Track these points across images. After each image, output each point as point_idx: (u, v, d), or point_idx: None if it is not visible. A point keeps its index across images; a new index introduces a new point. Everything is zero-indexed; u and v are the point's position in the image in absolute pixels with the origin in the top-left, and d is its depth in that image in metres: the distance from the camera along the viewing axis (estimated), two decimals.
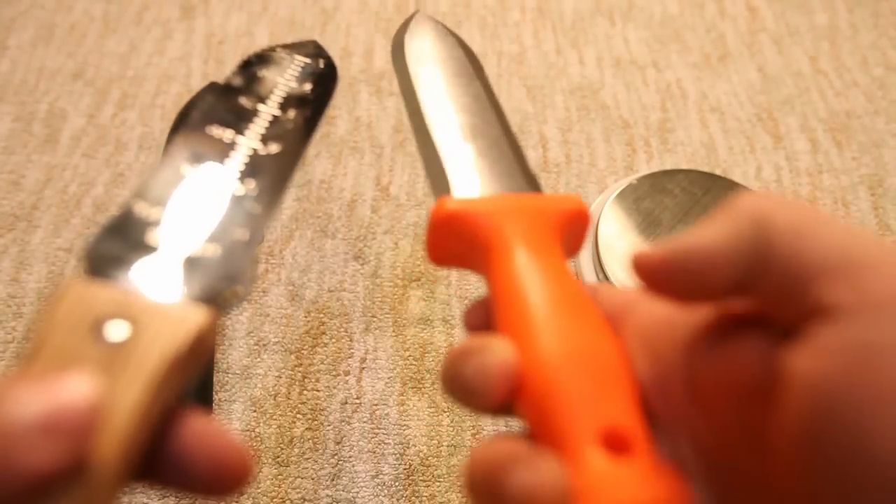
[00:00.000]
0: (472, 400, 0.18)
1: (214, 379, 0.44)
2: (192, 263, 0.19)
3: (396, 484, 0.41)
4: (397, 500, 0.40)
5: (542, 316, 0.19)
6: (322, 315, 0.47)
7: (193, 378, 0.18)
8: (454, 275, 0.49)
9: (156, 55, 0.62)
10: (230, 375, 0.44)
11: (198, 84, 0.60)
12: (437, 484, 0.41)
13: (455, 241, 0.23)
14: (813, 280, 0.13)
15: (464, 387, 0.18)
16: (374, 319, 0.47)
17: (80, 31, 0.64)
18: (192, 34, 0.64)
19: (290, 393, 0.44)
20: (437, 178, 0.26)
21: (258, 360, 0.45)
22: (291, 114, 0.26)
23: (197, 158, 0.22)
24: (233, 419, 0.43)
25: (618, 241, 0.47)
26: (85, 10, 0.65)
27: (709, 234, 0.15)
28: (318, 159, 0.55)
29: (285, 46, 0.29)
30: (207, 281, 0.19)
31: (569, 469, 0.16)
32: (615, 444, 0.16)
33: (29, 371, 0.16)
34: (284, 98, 0.26)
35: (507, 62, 0.63)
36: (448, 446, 0.42)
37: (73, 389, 0.14)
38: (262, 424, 0.43)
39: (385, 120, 0.58)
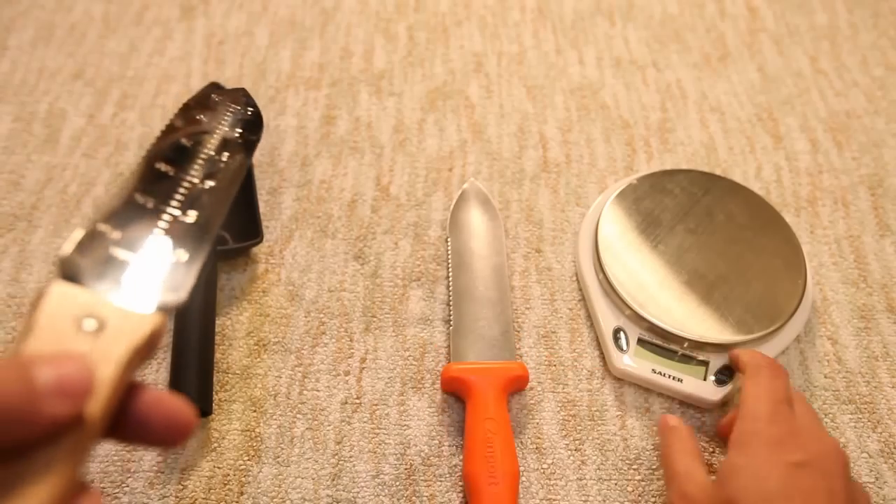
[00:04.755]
0: None
1: (214, 379, 0.44)
2: (144, 275, 0.24)
3: (397, 484, 0.41)
4: (398, 500, 0.40)
5: (479, 451, 0.39)
6: (322, 315, 0.47)
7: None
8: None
9: (156, 55, 0.62)
10: (230, 375, 0.44)
11: (198, 84, 0.60)
12: (438, 484, 0.41)
13: (453, 386, 0.43)
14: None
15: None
16: (374, 319, 0.47)
17: (80, 31, 0.64)
18: (192, 34, 0.64)
19: (290, 393, 0.44)
20: (454, 345, 0.45)
21: (258, 360, 0.45)
22: (224, 155, 0.31)
23: (147, 189, 0.27)
24: (233, 419, 0.43)
25: (618, 241, 0.47)
26: (85, 10, 0.65)
27: None
28: (318, 159, 0.55)
29: (219, 93, 0.35)
30: (156, 291, 0.24)
31: None
32: None
33: (28, 350, 0.21)
34: (218, 141, 0.31)
35: (507, 62, 0.63)
36: (448, 446, 0.42)
37: (76, 364, 0.20)
38: (262, 424, 0.43)
39: (385, 120, 0.58)
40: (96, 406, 0.20)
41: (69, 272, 0.23)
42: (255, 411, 0.43)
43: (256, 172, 0.54)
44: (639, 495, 0.41)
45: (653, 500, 0.41)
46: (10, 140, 0.56)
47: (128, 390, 0.22)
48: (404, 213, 0.52)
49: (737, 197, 0.50)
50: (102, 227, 0.25)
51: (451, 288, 0.47)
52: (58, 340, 0.21)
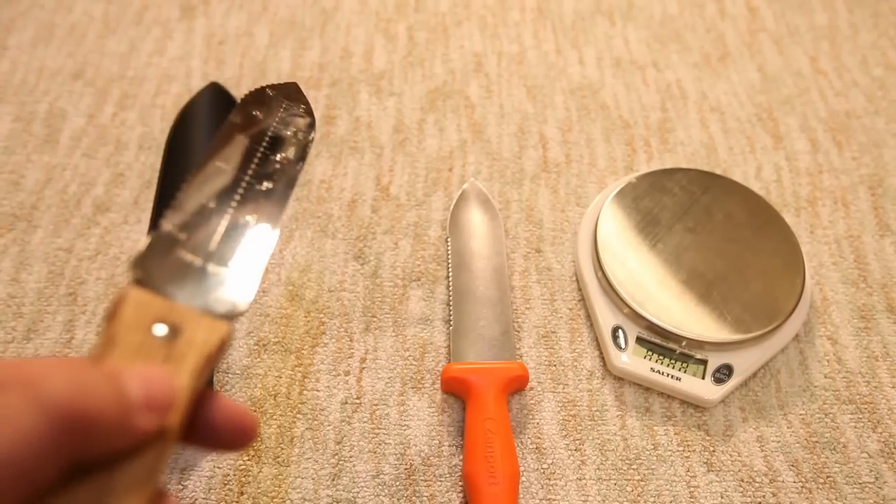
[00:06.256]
0: None
1: (215, 379, 0.44)
2: (212, 279, 0.24)
3: (397, 484, 0.41)
4: (398, 500, 0.40)
5: (479, 451, 0.40)
6: (322, 315, 0.47)
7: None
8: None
9: (156, 55, 0.62)
10: (230, 375, 0.44)
11: (198, 84, 0.60)
12: (438, 484, 0.41)
13: (453, 387, 0.44)
14: None
15: None
16: (374, 319, 0.47)
17: (80, 31, 0.64)
18: (192, 34, 0.64)
19: (290, 393, 0.44)
20: (454, 345, 0.45)
21: (258, 360, 0.45)
22: (279, 155, 0.30)
23: (208, 190, 0.27)
24: None
25: (616, 240, 0.47)
26: (85, 10, 0.65)
27: None
28: (318, 159, 0.55)
29: (272, 87, 0.33)
30: (223, 296, 0.24)
31: None
32: None
33: (109, 359, 0.21)
34: (273, 139, 0.31)
35: (507, 62, 0.63)
36: (448, 446, 0.42)
37: (161, 377, 0.20)
38: (262, 424, 0.43)
39: (385, 120, 0.58)
40: (175, 417, 0.20)
41: (141, 277, 0.23)
42: (254, 411, 0.43)
43: None
44: (638, 495, 0.41)
45: (652, 499, 0.41)
46: (10, 140, 0.56)
47: (200, 396, 0.22)
48: (404, 213, 0.52)
49: (735, 196, 0.50)
50: (170, 228, 0.25)
51: (451, 288, 0.47)
52: (137, 350, 0.21)
